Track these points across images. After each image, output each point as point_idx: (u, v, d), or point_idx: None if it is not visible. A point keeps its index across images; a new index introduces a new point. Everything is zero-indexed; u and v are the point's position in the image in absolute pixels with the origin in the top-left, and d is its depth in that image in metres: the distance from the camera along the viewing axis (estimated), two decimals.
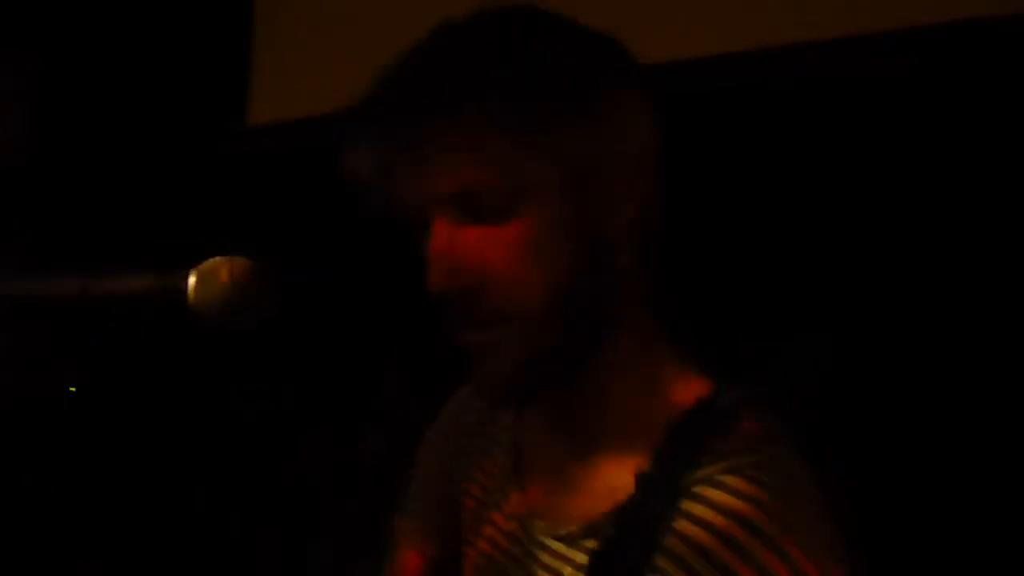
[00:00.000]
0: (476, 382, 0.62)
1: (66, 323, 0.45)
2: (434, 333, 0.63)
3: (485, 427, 0.75)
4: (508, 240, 0.57)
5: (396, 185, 0.59)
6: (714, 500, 0.54)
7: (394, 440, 0.86)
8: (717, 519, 0.53)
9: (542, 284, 0.57)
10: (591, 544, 0.59)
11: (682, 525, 0.55)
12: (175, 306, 0.48)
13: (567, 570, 0.61)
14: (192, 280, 0.49)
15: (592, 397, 0.62)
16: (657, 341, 0.64)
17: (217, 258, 0.50)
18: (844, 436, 0.82)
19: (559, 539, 0.62)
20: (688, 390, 0.62)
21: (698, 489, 0.55)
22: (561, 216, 0.57)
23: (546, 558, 0.63)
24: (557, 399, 0.64)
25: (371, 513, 0.84)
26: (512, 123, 0.56)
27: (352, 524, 1.11)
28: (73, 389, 1.52)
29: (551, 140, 0.57)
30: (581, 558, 0.60)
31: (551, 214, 0.57)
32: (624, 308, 0.62)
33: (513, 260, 0.57)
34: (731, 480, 0.55)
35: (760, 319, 0.89)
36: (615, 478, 0.60)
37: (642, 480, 0.58)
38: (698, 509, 0.55)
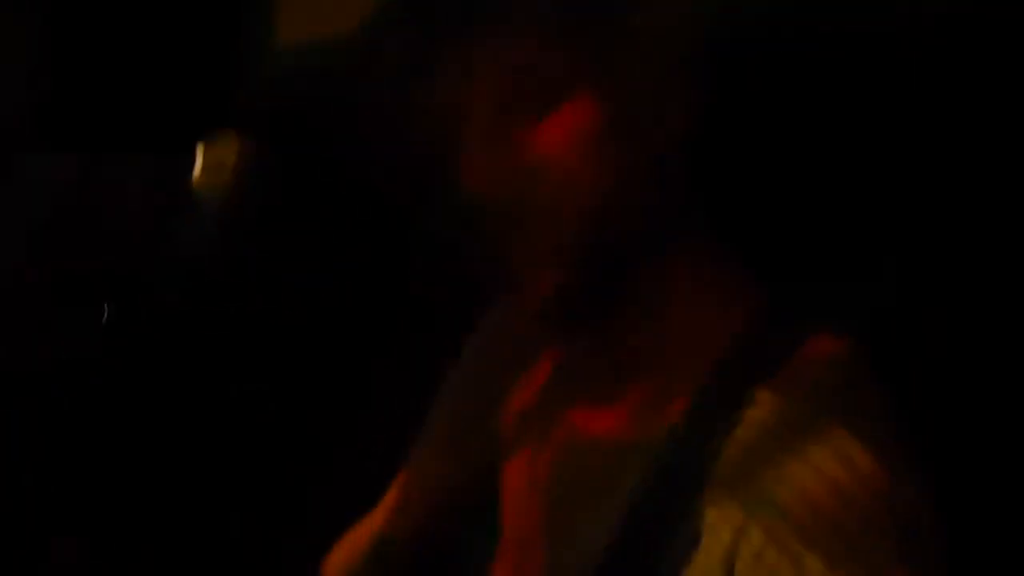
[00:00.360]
0: (519, 304, 0.58)
1: (64, 207, 0.44)
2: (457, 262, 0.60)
3: (525, 339, 0.72)
4: (557, 137, 0.53)
5: (429, 78, 0.55)
6: (778, 431, 0.51)
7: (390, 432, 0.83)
8: (778, 455, 0.50)
9: (592, 187, 0.53)
10: (642, 461, 0.56)
11: (740, 455, 0.51)
12: (179, 189, 0.46)
13: (615, 490, 0.57)
14: (198, 164, 0.47)
15: (641, 314, 0.58)
16: (709, 255, 0.61)
17: (221, 140, 0.48)
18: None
19: (607, 458, 0.59)
20: (745, 304, 0.58)
21: (761, 415, 0.52)
22: (615, 112, 0.53)
23: (589, 479, 0.59)
24: (603, 317, 0.60)
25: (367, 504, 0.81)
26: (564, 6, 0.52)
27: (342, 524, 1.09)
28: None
29: (607, 26, 0.53)
30: (629, 479, 0.56)
31: (606, 109, 0.53)
32: (678, 218, 0.58)
33: (562, 160, 0.53)
34: (797, 407, 0.51)
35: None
36: (668, 397, 0.57)
37: (697, 402, 0.55)
38: (756, 435, 0.51)
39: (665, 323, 0.58)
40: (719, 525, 0.50)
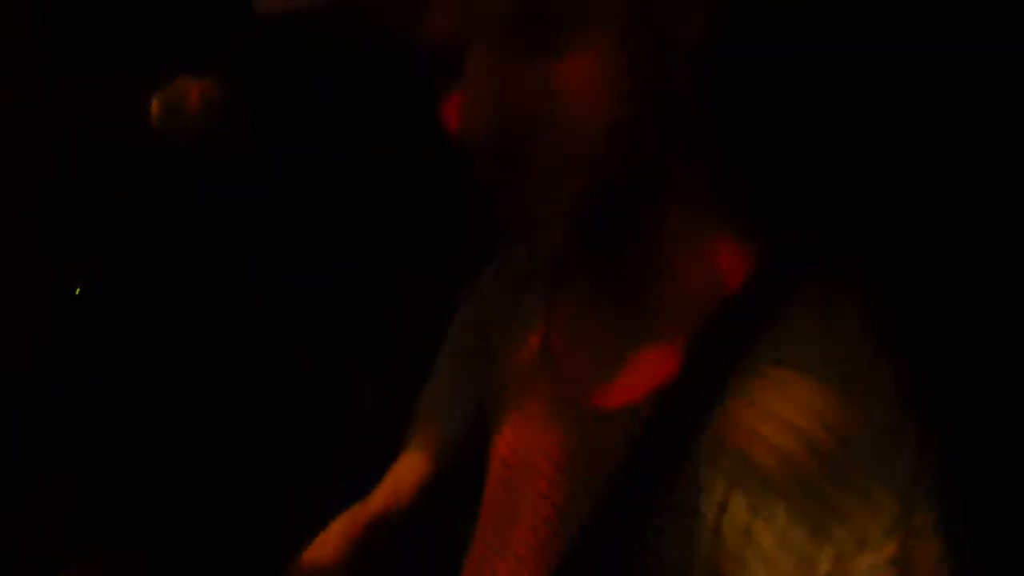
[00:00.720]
0: (522, 252, 0.55)
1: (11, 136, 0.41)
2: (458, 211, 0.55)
3: (514, 308, 0.70)
4: (567, 74, 0.48)
5: (429, 8, 0.50)
6: (780, 380, 0.48)
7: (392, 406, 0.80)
8: (776, 404, 0.47)
9: (603, 130, 0.49)
10: (632, 424, 0.53)
11: (749, 387, 0.48)
12: (138, 131, 0.43)
13: (607, 450, 0.54)
14: (155, 104, 0.44)
15: (636, 265, 0.55)
16: (713, 201, 0.58)
17: (183, 79, 0.44)
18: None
19: (599, 419, 0.56)
20: (744, 255, 0.54)
21: (765, 349, 0.49)
22: (626, 48, 0.49)
23: (584, 439, 0.57)
24: (596, 269, 0.58)
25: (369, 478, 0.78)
26: None
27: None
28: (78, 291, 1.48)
29: None
30: (623, 436, 0.54)
31: (615, 46, 0.48)
32: (685, 161, 0.55)
33: (572, 99, 0.48)
34: (802, 352, 0.48)
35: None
36: (662, 357, 0.53)
37: (690, 358, 0.52)
38: (768, 373, 0.48)
39: (663, 272, 0.54)
40: (703, 499, 0.48)
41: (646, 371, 0.54)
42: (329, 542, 0.77)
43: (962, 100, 0.80)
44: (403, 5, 0.50)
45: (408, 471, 0.73)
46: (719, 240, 0.55)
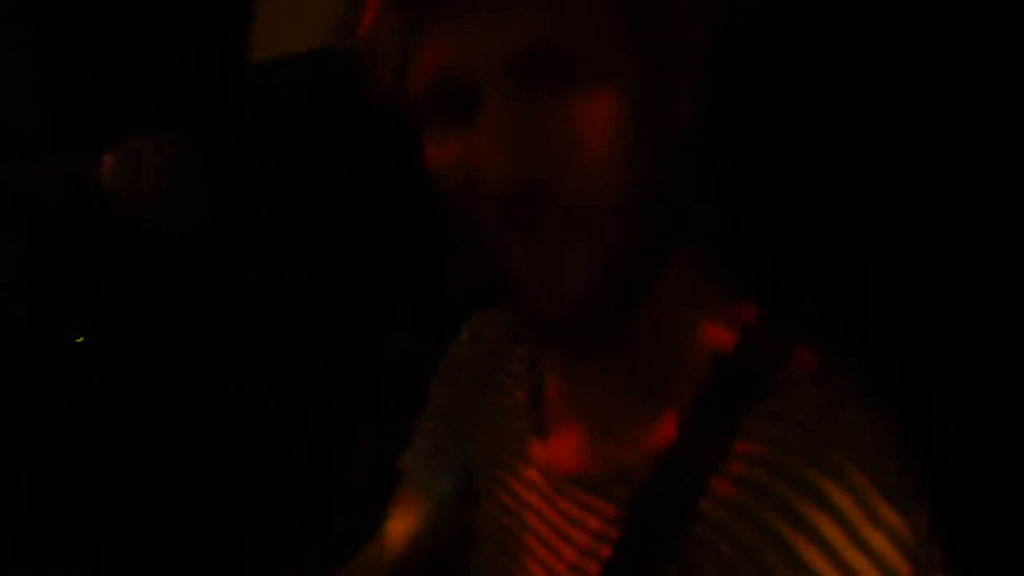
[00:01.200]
0: (534, 313, 0.49)
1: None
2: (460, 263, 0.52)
3: (500, 359, 0.66)
4: (585, 117, 0.45)
5: (432, 47, 0.45)
6: (783, 439, 0.45)
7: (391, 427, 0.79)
8: (788, 461, 0.44)
9: (619, 177, 0.46)
10: (622, 492, 0.51)
11: (740, 468, 0.46)
12: (90, 193, 0.41)
13: (594, 522, 0.52)
14: (109, 161, 0.41)
15: (633, 326, 0.52)
16: (711, 262, 0.54)
17: (140, 135, 0.42)
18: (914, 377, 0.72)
19: (585, 488, 0.54)
20: (738, 319, 0.52)
21: (759, 426, 0.46)
22: (640, 92, 0.46)
23: (571, 509, 0.54)
24: (594, 331, 0.54)
25: (363, 513, 0.77)
26: None
27: (343, 524, 1.06)
28: (80, 339, 1.48)
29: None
30: (610, 509, 0.51)
31: (630, 87, 0.46)
32: (687, 220, 0.52)
33: (590, 144, 0.45)
34: (800, 415, 0.46)
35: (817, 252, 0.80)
36: (652, 419, 0.51)
37: (684, 422, 0.49)
38: (760, 450, 0.45)
39: (662, 337, 0.52)
40: (720, 542, 0.45)
41: (639, 437, 0.51)
42: None
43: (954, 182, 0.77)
44: (395, 53, 0.47)
45: (395, 535, 0.71)
46: (716, 305, 0.52)
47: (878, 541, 0.41)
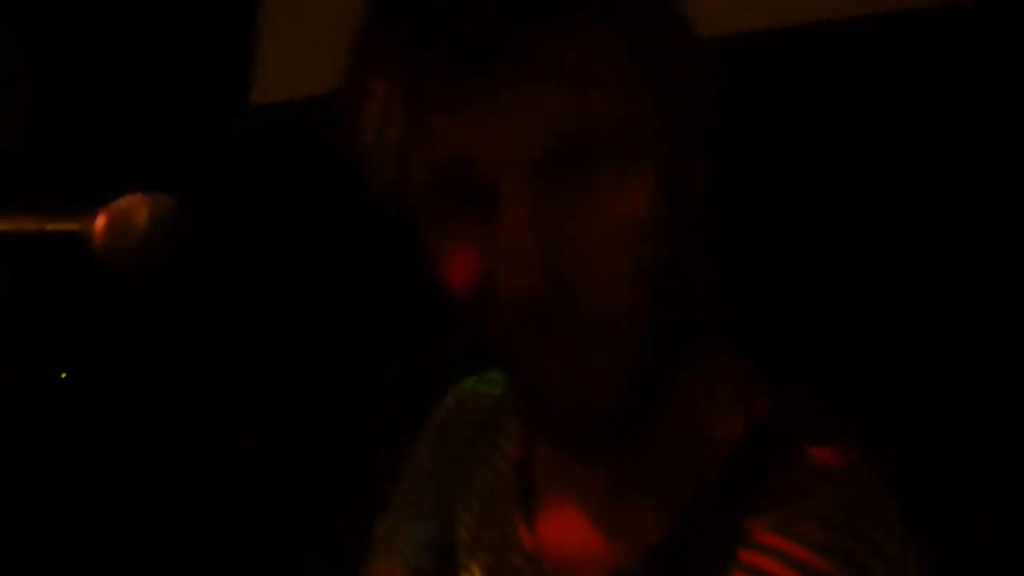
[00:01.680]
0: (557, 419, 0.46)
1: None
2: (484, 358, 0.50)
3: (490, 433, 0.63)
4: (613, 209, 0.42)
5: (443, 136, 0.42)
6: (788, 554, 0.42)
7: (391, 444, 0.77)
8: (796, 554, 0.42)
9: (647, 269, 0.43)
10: None
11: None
12: (80, 250, 0.39)
13: None
14: (101, 221, 0.40)
15: (654, 415, 0.50)
16: (717, 352, 0.52)
17: (134, 195, 0.41)
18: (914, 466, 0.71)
19: None
20: (745, 409, 0.50)
21: (764, 538, 0.43)
22: (665, 172, 0.43)
23: None
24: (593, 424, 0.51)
25: (363, 515, 0.75)
26: (636, 42, 0.41)
27: (344, 525, 1.04)
28: (64, 375, 1.46)
29: (666, 72, 0.42)
30: None
31: (656, 169, 0.43)
32: (705, 310, 0.50)
33: (619, 236, 0.42)
34: (807, 529, 0.43)
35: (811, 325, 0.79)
36: (653, 516, 0.49)
37: (687, 519, 0.47)
38: (766, 563, 0.42)
39: (671, 433, 0.50)
40: None
41: (637, 534, 0.48)
42: None
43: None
44: (399, 137, 0.43)
45: None
46: (729, 397, 0.50)
47: None
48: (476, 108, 0.40)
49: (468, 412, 0.65)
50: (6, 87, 1.52)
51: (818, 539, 0.42)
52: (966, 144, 0.77)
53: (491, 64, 0.39)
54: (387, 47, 0.43)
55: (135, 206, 0.41)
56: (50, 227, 0.40)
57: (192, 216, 0.41)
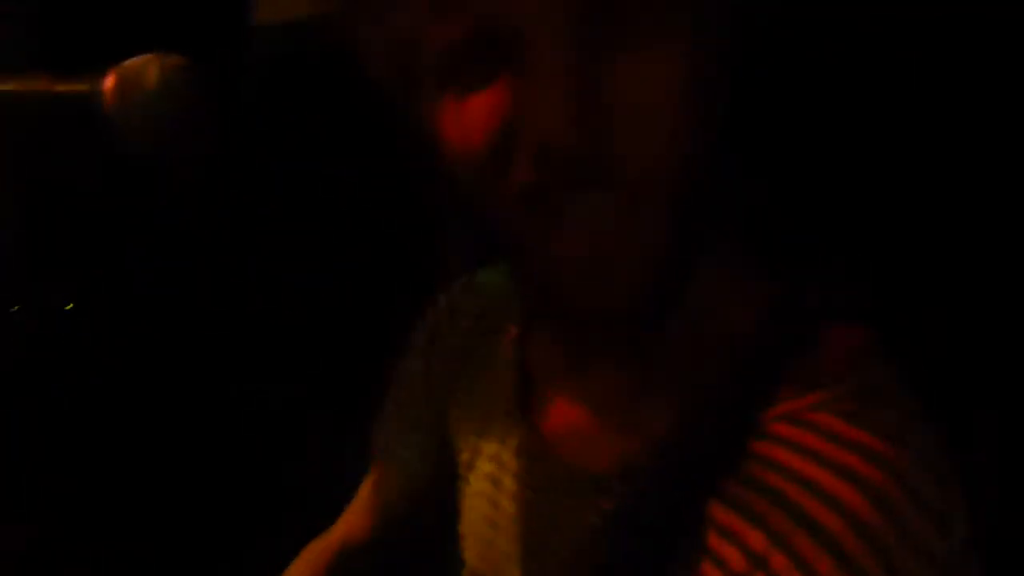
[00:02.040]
0: (578, 303, 0.43)
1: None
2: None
3: (485, 335, 0.61)
4: (648, 80, 0.41)
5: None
6: (801, 443, 0.41)
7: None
8: (807, 467, 0.40)
9: (681, 145, 0.42)
10: (622, 487, 0.47)
11: (756, 470, 0.41)
12: (91, 111, 0.39)
13: (591, 519, 0.48)
14: (111, 80, 0.40)
15: (670, 312, 0.47)
16: (733, 250, 0.50)
17: (143, 56, 0.40)
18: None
19: (582, 482, 0.49)
20: (760, 303, 0.48)
21: (779, 428, 0.42)
22: (694, 54, 0.42)
23: (567, 503, 0.50)
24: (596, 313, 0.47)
25: None
26: None
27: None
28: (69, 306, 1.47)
29: None
30: (609, 504, 0.47)
31: (685, 49, 0.42)
32: (727, 198, 0.49)
33: (655, 108, 0.41)
34: (821, 418, 0.41)
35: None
36: (663, 410, 0.47)
37: (697, 411, 0.45)
38: (780, 454, 0.41)
39: (683, 326, 0.48)
40: (728, 551, 0.41)
41: (644, 428, 0.47)
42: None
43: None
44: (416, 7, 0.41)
45: (366, 510, 0.67)
46: (743, 289, 0.49)
47: (911, 565, 0.38)
48: None
49: (461, 315, 0.63)
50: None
51: (832, 428, 0.41)
52: None
53: None
54: None
55: (146, 65, 0.40)
56: (60, 87, 0.40)
57: (202, 77, 0.40)
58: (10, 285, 1.40)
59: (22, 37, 1.55)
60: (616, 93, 0.40)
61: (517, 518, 0.53)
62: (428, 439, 0.62)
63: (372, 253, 1.35)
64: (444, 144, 0.44)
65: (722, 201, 0.48)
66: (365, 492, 0.68)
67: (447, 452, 0.61)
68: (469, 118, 0.42)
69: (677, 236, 0.43)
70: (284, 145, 1.34)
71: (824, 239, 0.72)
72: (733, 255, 0.50)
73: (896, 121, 0.85)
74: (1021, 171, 0.75)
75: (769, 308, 0.47)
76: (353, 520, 0.68)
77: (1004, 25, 0.74)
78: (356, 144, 1.31)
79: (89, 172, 1.26)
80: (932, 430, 0.42)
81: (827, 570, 0.38)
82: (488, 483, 0.56)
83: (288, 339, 1.46)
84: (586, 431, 0.51)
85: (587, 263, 0.41)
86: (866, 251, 0.74)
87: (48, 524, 1.57)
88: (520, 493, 0.53)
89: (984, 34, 0.75)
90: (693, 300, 0.46)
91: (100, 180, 1.29)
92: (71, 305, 1.54)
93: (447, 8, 0.41)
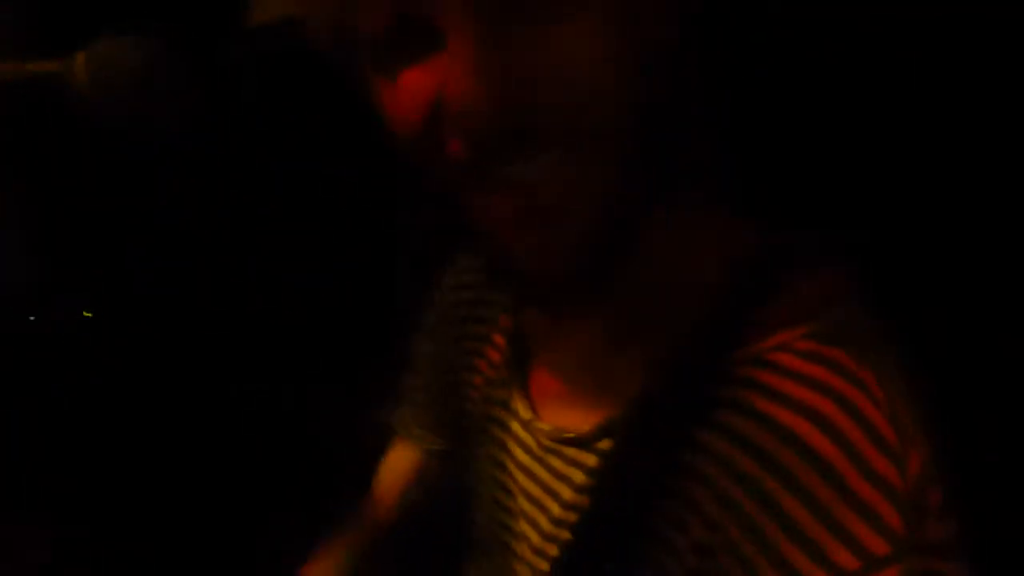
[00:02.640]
0: (521, 265, 0.45)
1: None
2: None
3: (484, 307, 0.63)
4: (564, 41, 0.41)
5: None
6: (766, 385, 0.41)
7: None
8: (769, 407, 0.41)
9: (609, 95, 0.42)
10: (605, 444, 0.48)
11: (723, 416, 0.42)
12: (61, 91, 0.37)
13: (578, 476, 0.49)
14: (81, 60, 0.38)
15: (624, 269, 0.48)
16: (700, 201, 0.50)
17: (119, 35, 0.39)
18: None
19: (569, 442, 0.51)
20: (729, 254, 0.48)
21: (743, 371, 0.43)
22: (615, 14, 0.42)
23: (557, 464, 0.52)
24: (615, 264, 0.49)
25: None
26: None
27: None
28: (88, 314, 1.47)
29: None
30: (592, 462, 0.49)
31: (609, 9, 0.42)
32: (686, 150, 0.48)
33: (574, 72, 0.41)
34: (788, 359, 0.42)
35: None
36: (638, 367, 0.48)
37: (668, 366, 0.46)
38: (744, 396, 0.42)
39: (653, 281, 0.48)
40: (701, 495, 0.42)
41: (625, 386, 0.48)
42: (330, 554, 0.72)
43: (959, 98, 0.74)
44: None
45: (387, 490, 0.70)
46: (712, 242, 0.49)
47: (868, 493, 0.39)
48: None
49: (463, 290, 0.65)
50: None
51: (791, 366, 0.41)
52: None
53: None
54: None
55: (119, 43, 0.38)
56: (32, 67, 0.38)
57: (178, 53, 0.39)
58: (10, 286, 1.39)
59: (19, 21, 1.54)
60: (533, 66, 0.40)
61: (517, 479, 0.55)
62: (445, 419, 0.65)
63: (371, 253, 1.35)
64: (387, 123, 0.45)
65: (686, 154, 0.48)
66: (382, 479, 0.71)
67: (460, 424, 0.63)
68: (402, 97, 0.43)
69: (622, 191, 0.43)
70: (283, 144, 1.33)
71: (801, 194, 0.71)
72: (700, 206, 0.50)
73: (881, 82, 0.83)
74: (1020, 170, 0.74)
75: (739, 256, 0.47)
76: (378, 503, 0.71)
77: (1004, 25, 0.72)
78: (354, 142, 1.31)
79: (88, 171, 1.25)
80: (895, 370, 0.42)
81: (791, 508, 0.38)
82: (496, 448, 0.58)
83: (288, 339, 1.45)
84: (568, 394, 0.52)
85: (527, 226, 0.42)
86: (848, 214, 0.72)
87: (47, 524, 1.57)
88: (519, 457, 0.55)
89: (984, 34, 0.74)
90: (658, 252, 0.47)
91: (99, 179, 1.28)
92: (89, 313, 1.54)
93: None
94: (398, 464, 0.70)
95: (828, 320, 0.43)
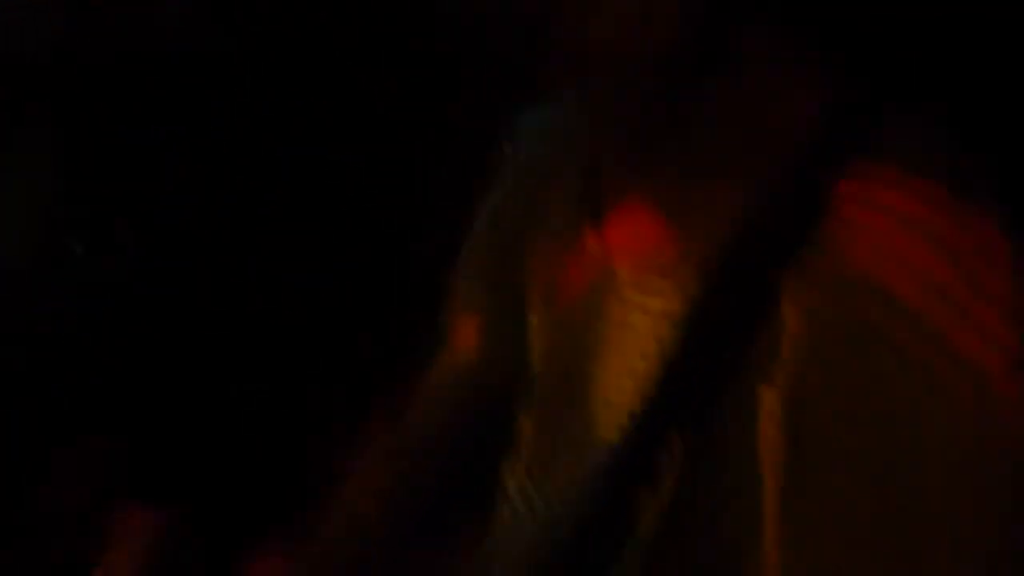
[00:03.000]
0: (606, 94, 0.46)
1: None
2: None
3: (551, 153, 0.61)
4: None
5: None
6: (864, 223, 0.40)
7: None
8: (877, 231, 0.40)
9: None
10: (686, 273, 0.46)
11: (814, 263, 0.41)
12: None
13: (656, 303, 0.48)
14: None
15: (708, 95, 0.48)
16: (786, 40, 0.50)
17: None
18: None
19: (645, 271, 0.49)
20: (823, 83, 0.47)
21: (839, 209, 0.41)
22: None
23: (631, 295, 0.50)
24: (658, 121, 0.49)
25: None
26: None
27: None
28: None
29: None
30: (671, 288, 0.47)
31: None
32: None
33: None
34: (885, 196, 0.41)
35: None
36: (729, 207, 0.46)
37: (761, 204, 0.45)
38: (842, 231, 0.41)
39: (738, 112, 0.47)
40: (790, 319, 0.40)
41: (707, 220, 0.46)
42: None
43: None
44: None
45: (453, 358, 0.68)
46: (803, 76, 0.47)
47: (989, 317, 0.38)
48: None
49: (528, 143, 0.64)
50: None
51: (893, 204, 0.40)
52: None
53: None
54: None
55: None
56: None
57: None
58: (10, 285, 1.38)
59: None
60: None
61: (588, 324, 0.53)
62: (507, 277, 0.63)
63: (372, 252, 1.33)
64: None
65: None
66: (447, 347, 0.69)
67: (524, 285, 0.61)
68: None
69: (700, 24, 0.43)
70: (284, 141, 1.32)
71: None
72: (791, 47, 0.48)
73: None
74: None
75: (832, 95, 0.46)
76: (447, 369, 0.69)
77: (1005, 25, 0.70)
78: (357, 137, 1.30)
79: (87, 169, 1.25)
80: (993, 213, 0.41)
81: (902, 338, 0.37)
82: (562, 296, 0.56)
83: (288, 338, 1.44)
84: (651, 226, 0.49)
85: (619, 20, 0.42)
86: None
87: (76, 483, 1.55)
88: (588, 301, 0.53)
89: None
90: (748, 83, 0.46)
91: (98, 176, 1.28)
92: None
93: None
94: (461, 332, 0.68)
95: (922, 160, 0.42)
